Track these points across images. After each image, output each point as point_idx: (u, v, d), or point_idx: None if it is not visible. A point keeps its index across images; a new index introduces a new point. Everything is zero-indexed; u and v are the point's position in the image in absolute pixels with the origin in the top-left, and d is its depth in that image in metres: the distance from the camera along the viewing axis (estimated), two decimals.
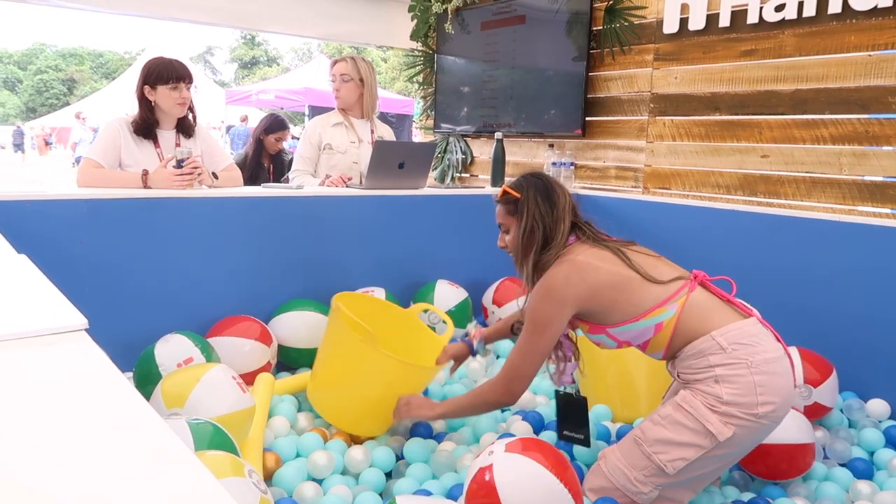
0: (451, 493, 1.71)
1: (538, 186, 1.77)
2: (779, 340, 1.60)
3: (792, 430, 1.79)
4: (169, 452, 0.54)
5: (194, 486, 0.49)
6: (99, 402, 0.63)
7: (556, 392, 1.96)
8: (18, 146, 21.50)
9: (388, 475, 1.90)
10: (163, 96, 2.44)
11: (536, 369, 1.71)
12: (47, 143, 21.09)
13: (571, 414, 1.93)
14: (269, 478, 1.76)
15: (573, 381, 1.92)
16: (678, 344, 1.61)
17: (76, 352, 0.74)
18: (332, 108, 3.22)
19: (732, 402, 1.50)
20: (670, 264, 1.72)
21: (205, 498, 0.47)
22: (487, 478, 1.43)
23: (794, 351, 2.14)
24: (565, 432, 1.91)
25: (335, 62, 3.10)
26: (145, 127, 2.46)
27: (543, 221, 1.73)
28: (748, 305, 1.69)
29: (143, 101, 2.46)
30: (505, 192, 1.80)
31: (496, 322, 2.17)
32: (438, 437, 2.07)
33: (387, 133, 3.26)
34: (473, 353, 2.11)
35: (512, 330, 2.06)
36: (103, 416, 0.60)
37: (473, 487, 1.46)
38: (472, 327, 2.16)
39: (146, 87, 2.44)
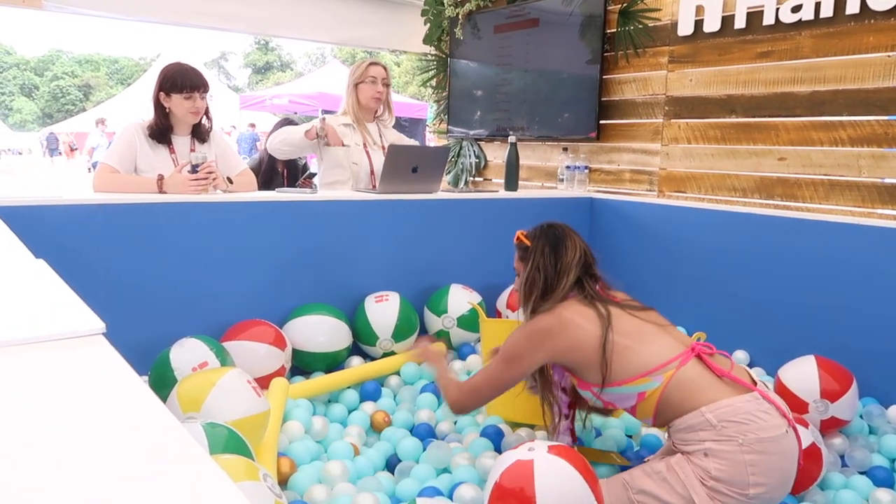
0: (452, 491, 1.72)
1: (549, 237, 1.81)
2: (784, 416, 1.57)
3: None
4: (186, 456, 0.54)
5: (211, 490, 0.49)
6: (117, 406, 0.63)
7: None
8: (53, 150, 21.95)
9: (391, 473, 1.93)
10: (177, 104, 2.45)
11: (493, 397, 1.81)
12: (72, 149, 21.51)
13: None
14: (283, 482, 1.76)
15: (573, 441, 1.92)
16: (666, 415, 1.60)
17: (94, 356, 0.74)
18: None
19: (720, 479, 1.49)
20: (673, 335, 1.70)
21: (222, 502, 0.47)
22: (526, 472, 1.43)
23: (811, 361, 2.11)
24: None
25: (374, 64, 3.03)
26: (160, 132, 2.48)
27: (546, 272, 1.77)
28: (753, 376, 1.65)
29: (159, 107, 2.48)
30: (518, 239, 1.86)
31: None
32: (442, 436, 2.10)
33: (396, 138, 3.23)
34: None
35: None
36: (121, 419, 0.60)
37: (508, 478, 1.44)
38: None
39: (161, 93, 2.46)
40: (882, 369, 2.27)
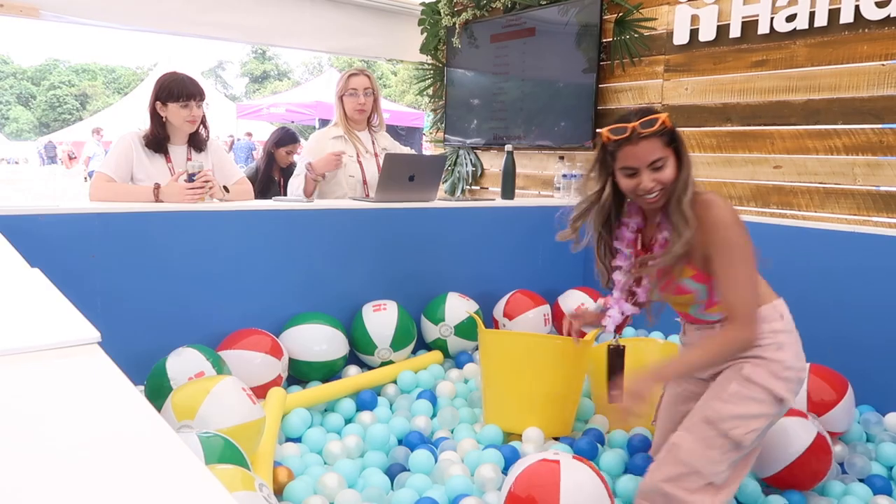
0: (454, 502, 1.72)
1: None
2: None
3: (800, 435, 1.81)
4: (181, 466, 0.53)
5: (207, 501, 0.48)
6: (112, 416, 0.63)
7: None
8: (52, 158, 22.06)
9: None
10: (173, 113, 2.45)
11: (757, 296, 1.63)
12: (71, 157, 21.62)
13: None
14: (280, 492, 1.75)
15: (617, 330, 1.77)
16: None
17: (89, 365, 0.74)
18: None
19: (793, 367, 1.57)
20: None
21: None
22: (552, 472, 1.48)
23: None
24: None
25: (353, 76, 3.01)
26: (157, 141, 2.48)
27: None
28: None
29: (155, 117, 2.47)
30: (662, 122, 1.58)
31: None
32: (436, 443, 2.09)
33: (389, 143, 3.23)
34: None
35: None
36: (116, 429, 0.60)
37: (531, 476, 1.49)
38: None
39: (158, 102, 2.46)
40: (879, 376, 2.28)
